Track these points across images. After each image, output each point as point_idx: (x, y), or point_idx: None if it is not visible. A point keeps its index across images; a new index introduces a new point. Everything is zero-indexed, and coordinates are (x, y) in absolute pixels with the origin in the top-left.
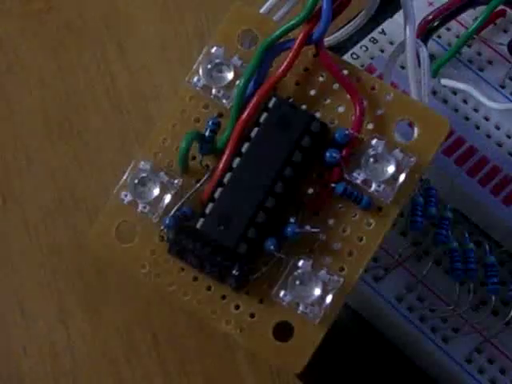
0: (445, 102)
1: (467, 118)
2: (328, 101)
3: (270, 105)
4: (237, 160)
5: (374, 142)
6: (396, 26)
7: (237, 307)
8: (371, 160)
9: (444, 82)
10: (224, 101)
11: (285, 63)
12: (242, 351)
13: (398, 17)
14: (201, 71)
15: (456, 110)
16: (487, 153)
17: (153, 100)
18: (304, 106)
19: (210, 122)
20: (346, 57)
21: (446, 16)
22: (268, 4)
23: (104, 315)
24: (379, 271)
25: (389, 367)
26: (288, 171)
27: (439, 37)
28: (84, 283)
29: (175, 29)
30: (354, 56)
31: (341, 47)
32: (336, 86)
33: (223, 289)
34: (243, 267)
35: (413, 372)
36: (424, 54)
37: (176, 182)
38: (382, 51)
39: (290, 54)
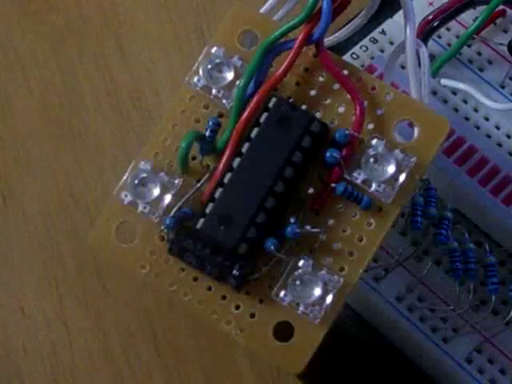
0: (445, 102)
1: (467, 118)
2: (328, 101)
3: (270, 105)
4: (237, 160)
5: (374, 141)
6: (396, 26)
7: (237, 307)
8: (371, 160)
9: (444, 82)
10: (224, 101)
11: (285, 63)
12: (242, 351)
13: (398, 17)
14: (201, 71)
15: (456, 110)
16: (487, 153)
17: (153, 100)
18: (304, 106)
19: (210, 122)
20: (346, 57)
21: (446, 16)
22: (268, 4)
23: (104, 315)
24: (379, 271)
25: (389, 367)
26: (288, 171)
27: (439, 37)
28: (84, 283)
29: (175, 29)
30: (354, 56)
31: (341, 47)
32: (336, 86)
33: (223, 289)
34: (243, 267)
35: (413, 372)
36: (424, 54)
37: (176, 182)
38: (382, 51)
39: (291, 54)
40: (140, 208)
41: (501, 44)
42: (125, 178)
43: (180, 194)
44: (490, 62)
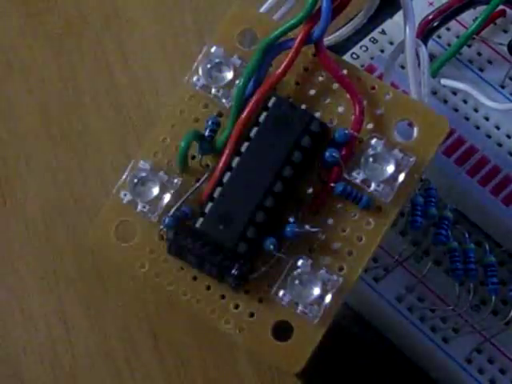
0: (445, 102)
1: (467, 118)
2: (328, 100)
3: (270, 104)
4: (236, 159)
5: (373, 141)
6: (396, 26)
7: (236, 307)
8: (371, 160)
9: (444, 82)
10: (223, 100)
11: (284, 63)
12: (242, 351)
13: (398, 17)
14: (200, 71)
15: (456, 110)
16: (487, 153)
17: (153, 100)
18: (303, 106)
19: (210, 122)
20: (346, 57)
21: (445, 16)
22: (268, 4)
23: (104, 315)
24: (379, 271)
25: (389, 367)
26: (287, 171)
27: (439, 37)
28: (84, 283)
29: (175, 29)
30: (354, 56)
31: (341, 47)
32: (336, 85)
33: (223, 288)
34: (243, 267)
35: (413, 372)
36: (424, 54)
37: (175, 181)
38: (382, 51)
39: (290, 54)
40: (139, 207)
41: (501, 44)
42: (124, 177)
43: (179, 193)
44: (489, 62)
